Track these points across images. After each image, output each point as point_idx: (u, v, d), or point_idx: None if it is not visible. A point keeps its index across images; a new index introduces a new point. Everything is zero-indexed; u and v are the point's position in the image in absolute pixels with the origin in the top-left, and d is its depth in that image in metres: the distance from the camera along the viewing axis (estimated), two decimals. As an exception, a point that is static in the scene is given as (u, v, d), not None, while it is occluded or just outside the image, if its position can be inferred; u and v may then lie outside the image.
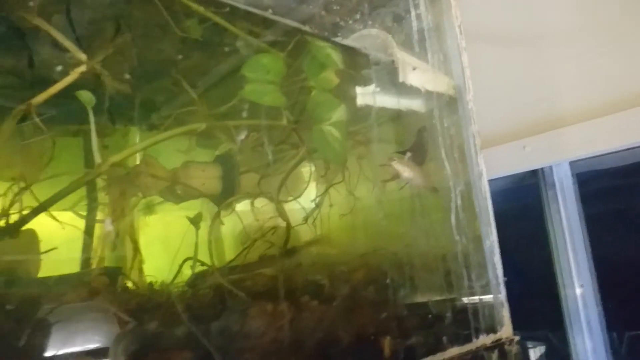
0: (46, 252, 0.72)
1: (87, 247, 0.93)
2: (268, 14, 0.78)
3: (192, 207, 1.13)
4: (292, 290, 0.84)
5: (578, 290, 1.75)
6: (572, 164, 1.76)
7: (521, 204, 1.96)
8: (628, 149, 1.55)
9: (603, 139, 1.51)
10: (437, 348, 0.82)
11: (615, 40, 1.56)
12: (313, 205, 1.03)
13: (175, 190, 1.10)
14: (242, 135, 0.80)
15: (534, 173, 1.85)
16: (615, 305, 1.73)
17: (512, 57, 1.75)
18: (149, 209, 1.14)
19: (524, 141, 1.71)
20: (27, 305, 0.68)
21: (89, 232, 0.95)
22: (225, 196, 1.12)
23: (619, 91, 1.51)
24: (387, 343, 0.73)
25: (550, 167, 1.79)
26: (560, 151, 1.64)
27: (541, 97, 1.70)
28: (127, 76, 0.71)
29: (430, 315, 0.86)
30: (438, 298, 0.91)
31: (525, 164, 1.75)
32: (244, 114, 0.85)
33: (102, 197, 1.01)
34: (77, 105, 0.81)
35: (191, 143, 1.12)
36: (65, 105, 0.80)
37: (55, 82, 0.74)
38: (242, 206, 1.11)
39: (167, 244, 1.09)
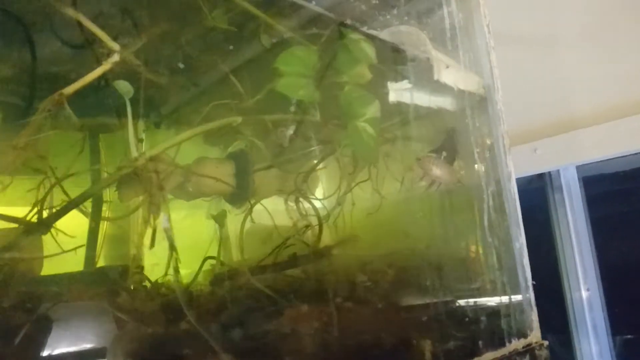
0: (73, 249, 0.68)
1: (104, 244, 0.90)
2: (310, 5, 0.75)
3: (202, 205, 1.10)
4: (323, 291, 0.81)
5: (584, 294, 1.75)
6: (579, 167, 1.76)
7: (527, 206, 1.95)
8: (636, 153, 1.55)
9: (617, 142, 1.51)
10: (473, 352, 0.80)
11: (627, 44, 1.56)
12: (340, 203, 1.00)
13: (186, 187, 1.06)
14: (290, 131, 0.77)
15: (540, 176, 1.85)
16: (622, 309, 1.73)
17: (526, 59, 1.75)
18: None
19: (535, 144, 1.71)
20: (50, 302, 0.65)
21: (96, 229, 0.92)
22: (239, 193, 1.08)
23: (633, 94, 1.51)
24: (427, 347, 0.71)
25: (558, 171, 1.78)
26: (572, 154, 1.64)
27: (553, 100, 1.69)
28: (181, 65, 0.67)
29: (466, 319, 0.84)
30: (471, 301, 0.89)
31: (536, 166, 1.75)
32: (276, 108, 0.82)
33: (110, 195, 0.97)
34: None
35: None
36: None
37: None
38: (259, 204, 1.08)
39: (180, 242, 1.06)
